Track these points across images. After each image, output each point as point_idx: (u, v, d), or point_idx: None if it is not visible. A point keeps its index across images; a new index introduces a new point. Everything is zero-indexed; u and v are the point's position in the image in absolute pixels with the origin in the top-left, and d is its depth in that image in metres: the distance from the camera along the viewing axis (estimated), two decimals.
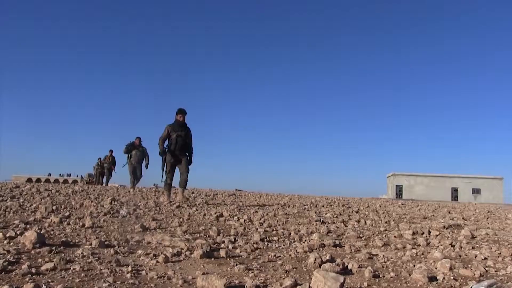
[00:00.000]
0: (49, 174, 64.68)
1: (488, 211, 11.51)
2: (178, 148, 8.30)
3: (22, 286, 2.14)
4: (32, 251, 3.00)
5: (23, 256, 2.86)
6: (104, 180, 21.38)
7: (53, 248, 3.10)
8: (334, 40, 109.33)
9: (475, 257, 3.46)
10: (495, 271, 2.96)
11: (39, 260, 2.77)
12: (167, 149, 8.38)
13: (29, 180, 45.21)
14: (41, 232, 3.47)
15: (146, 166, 14.65)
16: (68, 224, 4.40)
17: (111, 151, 21.33)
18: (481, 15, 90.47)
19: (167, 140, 8.44)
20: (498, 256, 3.52)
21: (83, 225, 4.33)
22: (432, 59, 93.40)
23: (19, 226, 4.09)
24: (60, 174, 67.50)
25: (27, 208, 5.70)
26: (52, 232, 3.86)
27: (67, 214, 5.22)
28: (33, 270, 2.46)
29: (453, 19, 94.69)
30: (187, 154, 8.50)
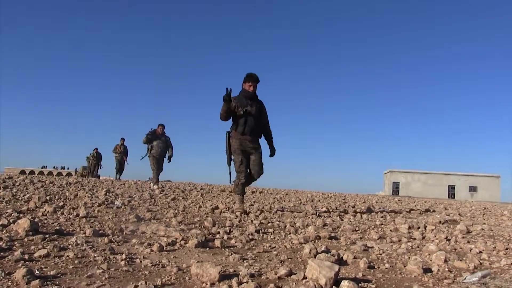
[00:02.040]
0: (43, 167, 64.45)
1: (484, 208, 11.55)
2: (248, 130, 5.67)
3: (15, 271, 2.12)
4: (25, 239, 2.98)
5: (15, 243, 2.84)
6: (116, 173, 18.86)
7: (47, 236, 3.08)
8: (331, 36, 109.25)
9: (470, 250, 3.46)
10: (489, 264, 2.95)
11: (32, 247, 2.75)
12: (230, 134, 5.80)
13: (22, 172, 45.00)
14: (35, 221, 3.44)
15: (169, 160, 12.01)
16: (62, 213, 4.38)
17: (123, 139, 18.80)
18: (480, 16, 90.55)
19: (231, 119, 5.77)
20: (493, 250, 3.52)
21: (77, 215, 4.31)
22: (430, 57, 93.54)
23: (12, 215, 4.06)
24: (54, 167, 67.26)
25: (20, 198, 5.67)
26: (45, 221, 3.83)
27: (61, 204, 5.19)
28: (26, 256, 2.44)
29: (452, 20, 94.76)
30: (259, 140, 5.90)
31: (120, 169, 18.63)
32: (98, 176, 21.63)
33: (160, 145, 11.84)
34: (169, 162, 12.07)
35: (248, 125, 5.65)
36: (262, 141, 5.99)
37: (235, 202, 6.14)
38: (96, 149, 21.66)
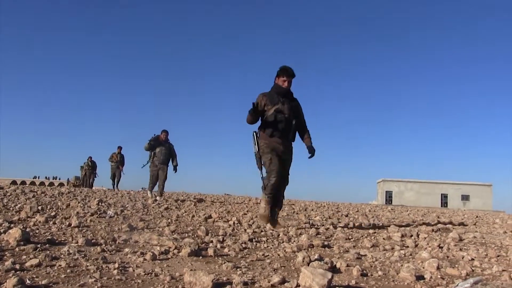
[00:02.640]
0: (35, 177, 63.79)
1: (477, 216, 11.61)
2: (278, 132, 4.91)
3: (5, 281, 2.10)
4: (16, 249, 2.95)
5: (6, 253, 2.81)
6: (114, 183, 17.97)
7: (38, 245, 3.05)
8: (322, 45, 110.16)
9: (462, 258, 3.48)
10: (481, 271, 2.97)
11: (24, 257, 2.72)
12: (258, 135, 5.05)
13: (14, 182, 44.44)
14: (26, 230, 3.42)
15: (175, 169, 11.20)
16: (54, 223, 4.35)
17: (120, 147, 18.14)
18: (474, 23, 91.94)
19: (260, 119, 5.02)
20: (485, 257, 3.54)
21: (70, 225, 4.28)
22: (423, 65, 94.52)
23: (3, 225, 4.03)
24: (46, 177, 66.54)
25: (11, 208, 5.62)
26: (37, 231, 3.81)
27: (53, 214, 5.16)
28: (17, 266, 2.42)
29: (444, 26, 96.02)
30: (291, 146, 5.16)
31: (115, 178, 17.89)
32: (91, 186, 20.82)
33: (163, 152, 11.12)
34: (175, 172, 11.25)
35: (279, 126, 4.89)
36: (296, 144, 5.26)
37: (259, 209, 5.08)
38: (90, 157, 20.80)
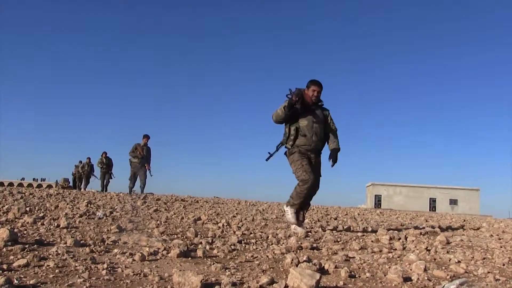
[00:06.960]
0: (23, 179, 63.10)
1: (464, 220, 11.74)
2: None
3: None
4: (4, 249, 2.93)
5: None
6: (133, 183, 13.20)
7: (26, 246, 3.04)
8: (312, 51, 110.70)
9: (449, 260, 3.52)
10: (467, 273, 3.01)
11: (11, 257, 2.71)
12: None
13: (1, 184, 44.01)
14: (14, 231, 3.39)
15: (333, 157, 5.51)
16: (42, 224, 4.32)
17: (147, 137, 13.04)
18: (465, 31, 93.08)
19: None
20: (471, 260, 3.59)
21: (58, 226, 4.26)
22: (410, 70, 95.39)
23: None
24: (34, 179, 65.85)
25: None
26: (25, 232, 3.78)
27: (41, 215, 5.12)
28: (5, 266, 2.41)
29: (441, 31, 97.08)
30: None
31: (143, 178, 13.00)
32: (105, 189, 16.49)
33: (316, 127, 5.36)
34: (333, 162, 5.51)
35: None
36: None
37: None
38: (105, 153, 16.60)
